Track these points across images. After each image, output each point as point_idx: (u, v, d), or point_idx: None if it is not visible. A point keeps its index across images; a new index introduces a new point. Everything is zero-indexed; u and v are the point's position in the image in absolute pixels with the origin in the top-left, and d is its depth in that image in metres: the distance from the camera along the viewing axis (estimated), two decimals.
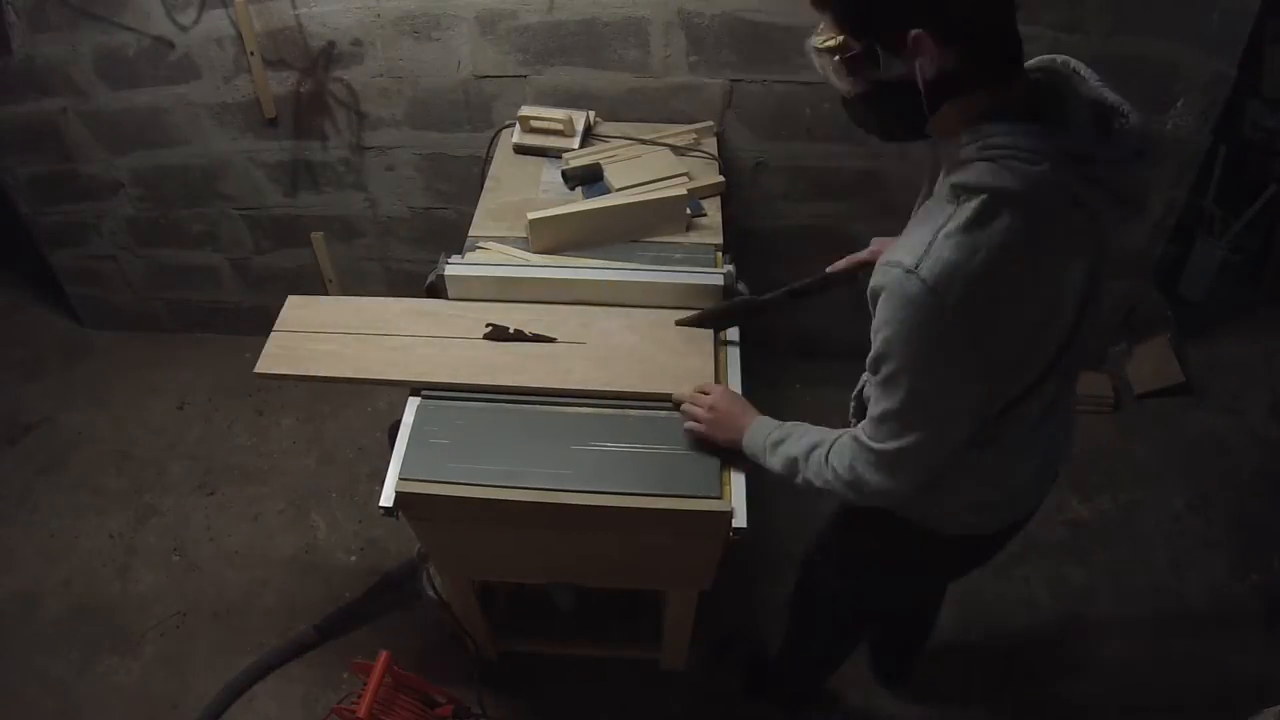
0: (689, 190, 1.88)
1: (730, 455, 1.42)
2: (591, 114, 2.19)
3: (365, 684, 1.69)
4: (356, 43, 2.28)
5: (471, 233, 1.87)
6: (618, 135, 2.17)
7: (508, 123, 2.23)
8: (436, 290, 1.69)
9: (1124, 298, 2.71)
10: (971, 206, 0.96)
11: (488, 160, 2.14)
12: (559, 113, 2.10)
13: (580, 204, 1.82)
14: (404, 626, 2.21)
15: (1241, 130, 2.93)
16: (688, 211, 1.88)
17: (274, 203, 2.67)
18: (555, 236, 1.79)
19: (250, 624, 2.23)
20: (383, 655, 1.73)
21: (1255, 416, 2.72)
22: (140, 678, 2.14)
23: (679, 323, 1.64)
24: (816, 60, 1.05)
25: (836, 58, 1.01)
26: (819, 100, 2.28)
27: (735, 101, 2.31)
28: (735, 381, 1.57)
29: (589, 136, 2.17)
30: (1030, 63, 1.05)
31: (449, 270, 1.67)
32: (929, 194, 1.11)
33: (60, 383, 2.91)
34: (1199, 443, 2.66)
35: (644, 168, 1.99)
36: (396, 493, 1.39)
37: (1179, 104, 2.23)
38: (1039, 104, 0.99)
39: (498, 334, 1.60)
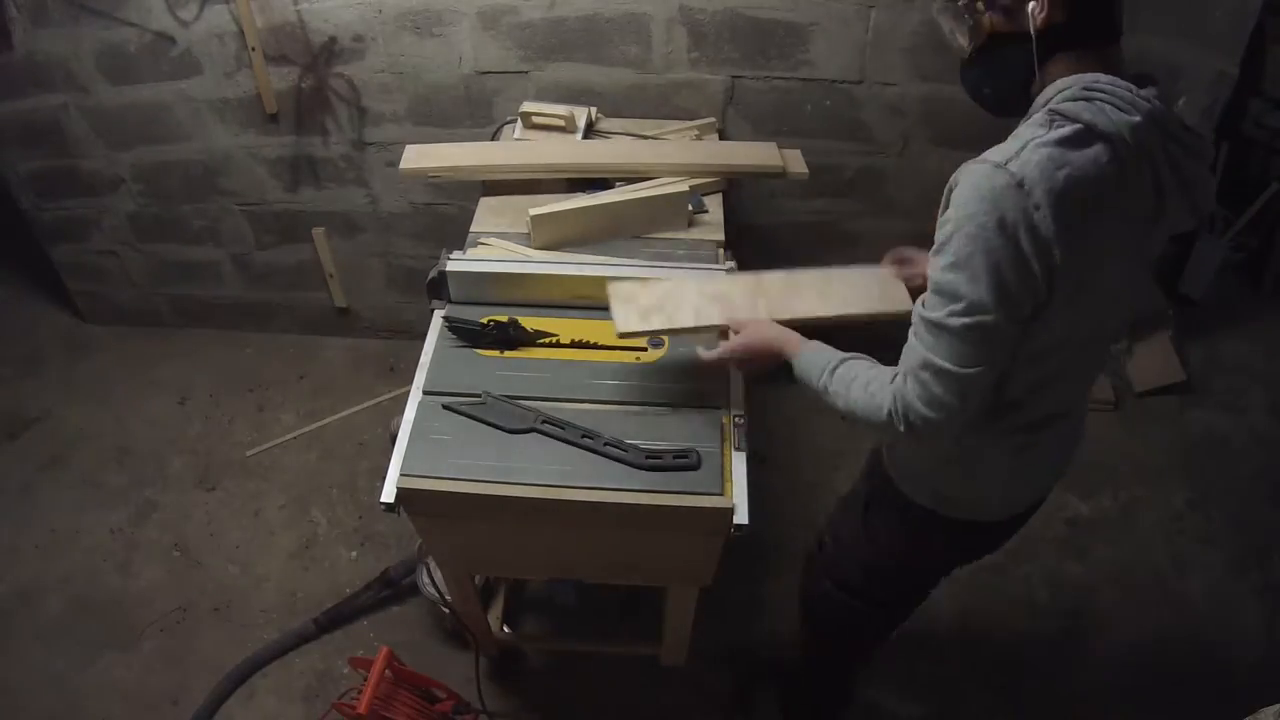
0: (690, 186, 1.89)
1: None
2: (593, 110, 2.19)
3: (365, 679, 1.70)
4: (358, 38, 2.28)
5: (473, 228, 1.87)
6: (619, 131, 2.17)
7: (509, 119, 2.23)
8: (438, 286, 1.69)
9: None
10: (1067, 129, 0.99)
11: None
12: (560, 109, 2.10)
13: (582, 199, 1.82)
14: (404, 622, 2.22)
15: (1243, 128, 2.93)
16: (689, 208, 1.88)
17: (275, 198, 2.67)
18: (557, 232, 1.79)
19: (251, 620, 2.23)
20: (383, 651, 1.74)
21: (1256, 415, 2.72)
22: (141, 673, 2.14)
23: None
24: (940, 19, 1.15)
25: (960, 3, 1.10)
26: (820, 97, 2.28)
27: (736, 98, 2.31)
28: (737, 383, 1.57)
29: (590, 133, 2.16)
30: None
31: (450, 266, 1.67)
32: None
33: (61, 378, 2.92)
34: (1199, 441, 2.66)
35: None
36: (397, 489, 1.39)
37: (1181, 102, 2.23)
38: (1140, 79, 1.04)
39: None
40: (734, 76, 2.27)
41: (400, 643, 2.08)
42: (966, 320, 1.02)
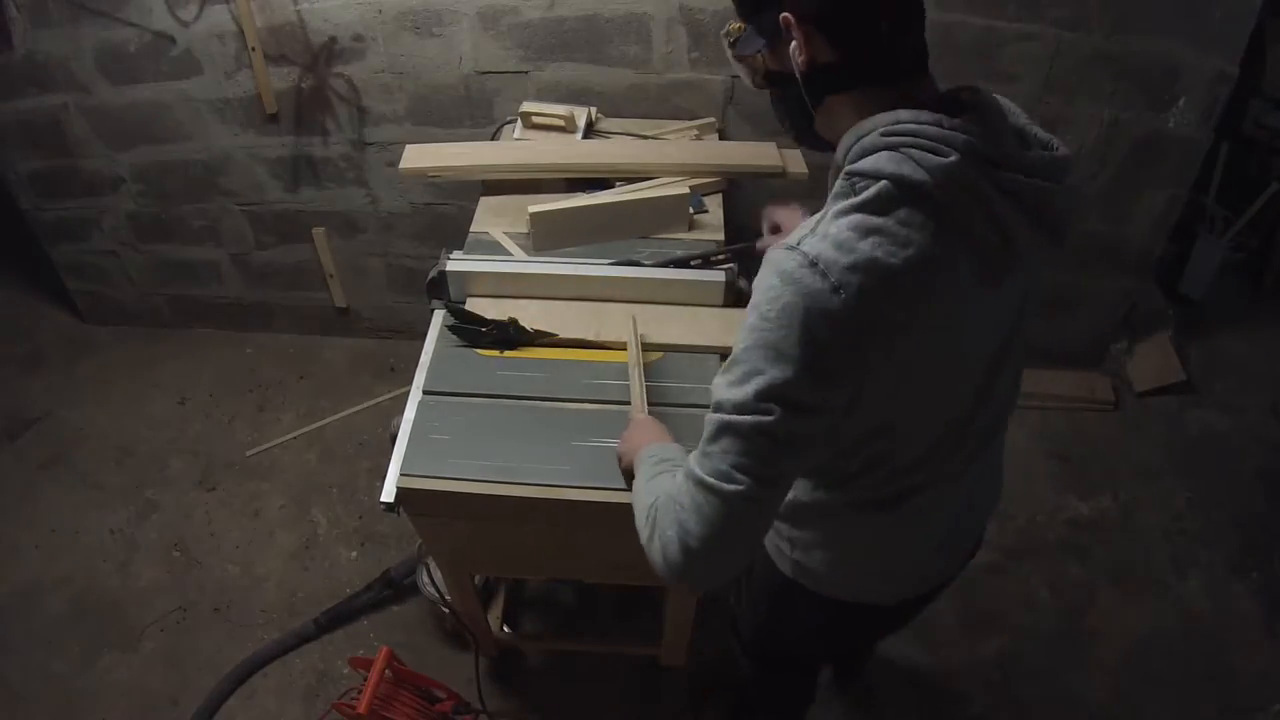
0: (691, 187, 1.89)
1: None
2: (593, 110, 2.19)
3: (365, 679, 1.70)
4: (358, 38, 2.28)
5: (473, 228, 1.87)
6: (619, 131, 2.17)
7: (509, 119, 2.23)
8: (438, 286, 1.69)
9: (1125, 296, 2.71)
10: (869, 191, 0.84)
11: None
12: (560, 109, 2.10)
13: (582, 198, 1.82)
14: (404, 622, 2.22)
15: (1243, 128, 2.93)
16: (690, 209, 1.88)
17: (275, 198, 2.67)
18: (556, 230, 1.79)
19: (251, 620, 2.23)
20: (383, 651, 1.74)
21: (1255, 415, 2.72)
22: (141, 673, 2.14)
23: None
24: (729, 55, 1.06)
25: (731, 41, 1.02)
26: None
27: (736, 98, 2.31)
28: None
29: (590, 133, 2.16)
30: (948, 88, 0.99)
31: (450, 265, 1.67)
32: None
33: (61, 378, 2.92)
34: (1199, 441, 2.66)
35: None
36: (397, 488, 1.39)
37: (1181, 102, 2.23)
38: (951, 110, 0.88)
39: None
40: (734, 77, 2.27)
41: (400, 643, 2.09)
42: (733, 420, 0.87)
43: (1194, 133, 2.29)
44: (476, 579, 1.89)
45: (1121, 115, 2.27)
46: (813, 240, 0.84)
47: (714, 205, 1.95)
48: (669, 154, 2.00)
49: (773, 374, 0.84)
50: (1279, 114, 2.88)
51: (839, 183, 0.89)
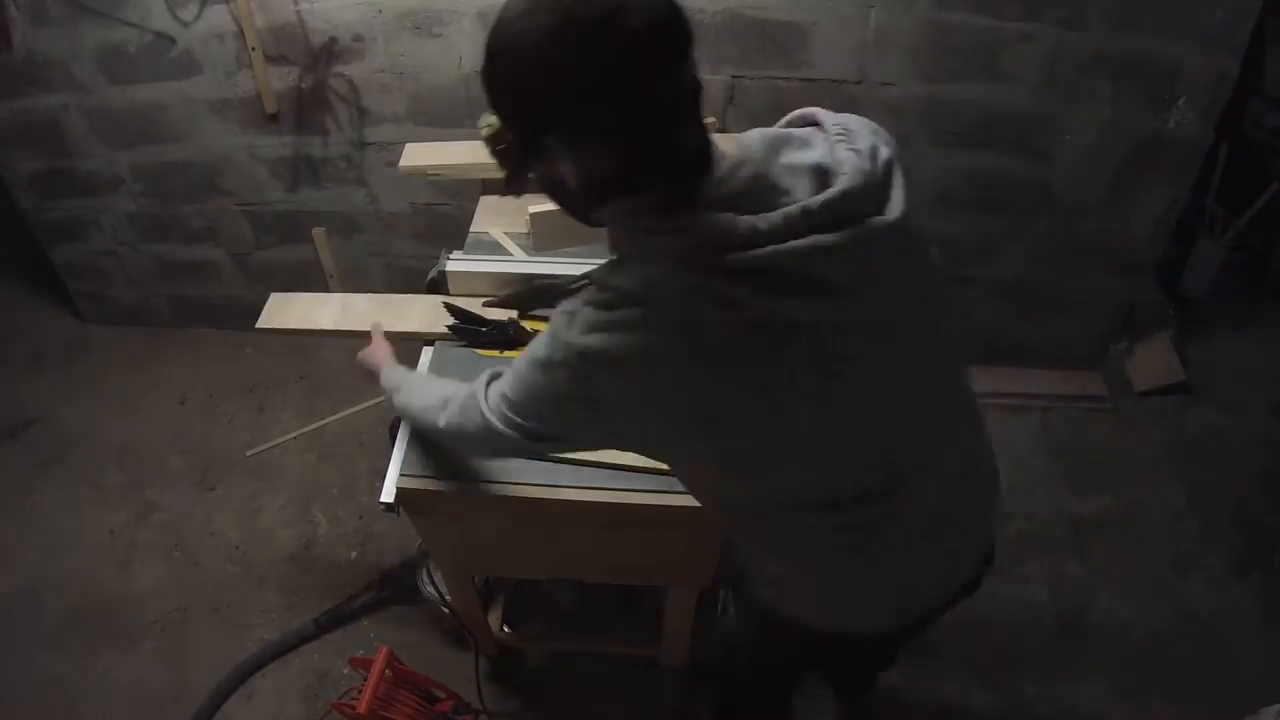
0: None
1: None
2: None
3: (365, 679, 1.70)
4: (358, 38, 2.28)
5: (473, 229, 1.87)
6: None
7: None
8: (438, 286, 1.69)
9: (1125, 296, 2.71)
10: (605, 293, 0.90)
11: None
12: None
13: None
14: (404, 622, 2.22)
15: (1243, 129, 2.93)
16: None
17: (275, 198, 2.67)
18: (556, 230, 1.78)
19: (250, 620, 2.23)
20: (383, 650, 1.74)
21: (1255, 415, 2.72)
22: (140, 673, 2.14)
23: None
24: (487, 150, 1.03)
25: (488, 146, 1.01)
26: (820, 97, 2.27)
27: (736, 98, 2.31)
28: None
29: None
30: (784, 120, 1.00)
31: (450, 266, 1.68)
32: None
33: (61, 378, 2.92)
34: (1199, 441, 2.66)
35: None
36: (397, 489, 1.39)
37: (1181, 102, 2.23)
38: (736, 197, 0.87)
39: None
40: (734, 76, 2.27)
41: (400, 643, 2.08)
42: (505, 412, 1.06)
43: (1194, 133, 2.29)
44: (476, 579, 1.89)
45: (1121, 115, 2.27)
46: (577, 309, 0.92)
47: None
48: None
49: (524, 404, 1.03)
50: (1278, 114, 2.88)
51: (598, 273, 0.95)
